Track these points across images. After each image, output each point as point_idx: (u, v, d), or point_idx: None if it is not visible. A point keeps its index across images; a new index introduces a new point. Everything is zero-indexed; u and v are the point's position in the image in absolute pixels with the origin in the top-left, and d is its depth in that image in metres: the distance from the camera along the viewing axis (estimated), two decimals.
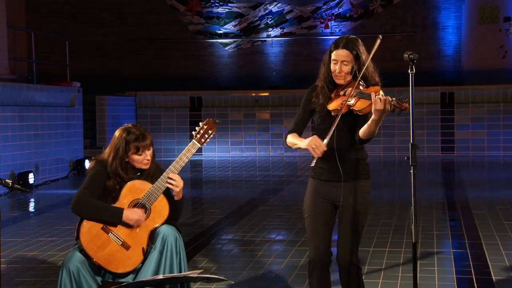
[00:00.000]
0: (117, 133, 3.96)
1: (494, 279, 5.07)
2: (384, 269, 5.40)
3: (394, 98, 3.51)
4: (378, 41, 3.66)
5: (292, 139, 3.82)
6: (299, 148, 3.78)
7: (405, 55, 3.58)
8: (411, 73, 3.56)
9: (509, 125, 14.49)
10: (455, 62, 16.06)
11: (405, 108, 3.49)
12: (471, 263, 5.56)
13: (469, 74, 15.78)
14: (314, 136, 3.66)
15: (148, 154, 3.94)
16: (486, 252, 5.91)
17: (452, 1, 16.04)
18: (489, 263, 5.52)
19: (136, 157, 3.91)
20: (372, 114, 3.53)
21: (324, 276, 3.82)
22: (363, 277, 4.01)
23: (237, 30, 16.91)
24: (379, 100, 3.47)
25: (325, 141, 3.60)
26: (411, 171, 3.53)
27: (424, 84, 14.50)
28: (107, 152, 3.95)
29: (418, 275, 3.67)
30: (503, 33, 15.78)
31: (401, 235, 6.62)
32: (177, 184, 3.86)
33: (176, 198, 3.92)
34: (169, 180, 3.84)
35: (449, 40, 16.10)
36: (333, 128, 3.61)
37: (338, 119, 3.61)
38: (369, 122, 3.56)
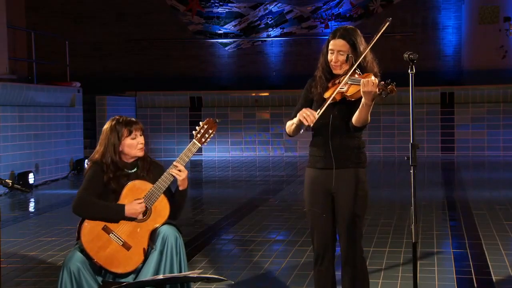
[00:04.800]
0: (106, 125, 3.98)
1: (494, 279, 5.07)
2: (384, 269, 5.40)
3: (382, 82, 3.54)
4: (387, 24, 3.68)
5: (289, 122, 3.85)
6: (297, 129, 3.78)
7: (405, 55, 3.59)
8: (411, 73, 3.57)
9: (509, 125, 14.50)
10: (455, 62, 16.07)
11: (391, 91, 3.52)
12: (471, 263, 5.56)
13: (469, 74, 15.78)
14: (306, 107, 3.69)
15: (141, 139, 3.95)
16: (486, 252, 5.91)
17: (452, 1, 16.04)
18: (489, 263, 5.52)
19: (129, 141, 3.91)
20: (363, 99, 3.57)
21: (324, 269, 3.86)
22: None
23: (237, 30, 16.91)
24: (366, 82, 3.51)
25: (318, 111, 3.62)
26: (411, 171, 3.53)
27: (424, 84, 14.51)
28: (98, 149, 3.96)
29: (418, 275, 3.67)
30: (503, 33, 15.78)
31: (401, 235, 6.62)
32: (181, 173, 3.87)
33: (181, 188, 3.93)
34: (173, 170, 3.86)
35: (449, 40, 16.11)
36: (326, 103, 3.63)
37: (329, 101, 3.63)
38: (360, 107, 3.60)
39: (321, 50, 3.84)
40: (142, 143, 3.96)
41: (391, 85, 3.53)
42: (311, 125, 3.61)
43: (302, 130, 3.72)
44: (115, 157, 3.90)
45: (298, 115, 3.67)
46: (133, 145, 3.93)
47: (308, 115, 3.59)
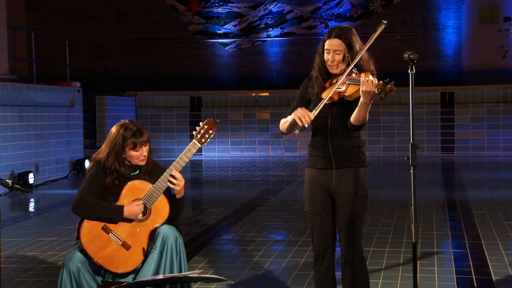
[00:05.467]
0: (114, 129, 3.96)
1: (494, 279, 5.07)
2: (384, 269, 5.40)
3: (381, 81, 3.53)
4: (382, 26, 3.64)
5: (283, 120, 3.82)
6: (291, 128, 3.73)
7: (405, 55, 3.59)
8: (411, 73, 3.57)
9: (509, 125, 14.50)
10: (455, 62, 16.06)
11: (390, 90, 3.51)
12: (471, 263, 5.56)
13: (469, 74, 15.79)
14: (302, 107, 3.65)
15: (144, 150, 3.94)
16: (486, 252, 5.90)
17: (452, 1, 16.04)
18: (489, 263, 5.52)
19: (132, 153, 3.91)
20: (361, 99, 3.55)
21: (324, 269, 3.86)
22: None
23: (237, 30, 16.91)
24: (366, 82, 3.50)
25: (313, 112, 3.60)
26: (411, 171, 3.53)
27: (424, 84, 14.51)
28: (103, 149, 3.96)
29: (418, 275, 3.67)
30: (503, 33, 15.78)
31: (401, 235, 6.62)
32: (178, 182, 3.86)
33: (177, 196, 3.93)
34: (170, 178, 3.85)
35: (449, 40, 16.11)
36: (322, 103, 3.61)
37: (326, 101, 3.61)
38: (358, 106, 3.59)
39: (317, 50, 3.84)
40: (145, 155, 3.95)
41: (390, 84, 3.53)
42: (306, 126, 3.58)
43: (297, 132, 3.63)
44: (119, 167, 3.90)
45: (293, 114, 3.63)
46: (136, 157, 3.93)
47: (303, 116, 3.56)
